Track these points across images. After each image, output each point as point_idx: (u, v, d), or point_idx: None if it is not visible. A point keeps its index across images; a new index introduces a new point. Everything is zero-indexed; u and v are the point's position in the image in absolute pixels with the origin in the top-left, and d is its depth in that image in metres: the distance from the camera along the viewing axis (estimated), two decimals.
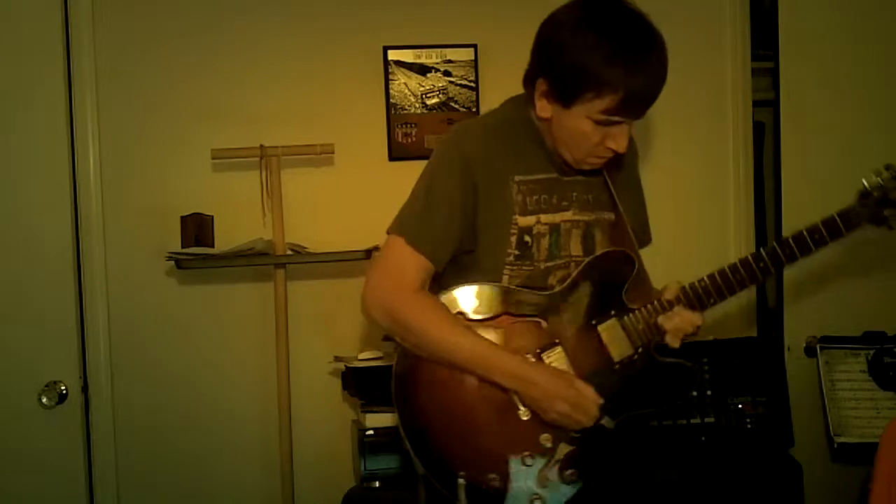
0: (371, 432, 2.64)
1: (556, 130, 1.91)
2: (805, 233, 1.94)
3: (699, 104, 3.13)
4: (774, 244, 1.96)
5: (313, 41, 2.96)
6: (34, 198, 2.77)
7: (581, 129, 1.87)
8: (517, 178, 1.95)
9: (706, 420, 2.74)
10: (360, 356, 2.76)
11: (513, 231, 1.94)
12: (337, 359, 2.86)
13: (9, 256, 2.75)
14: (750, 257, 1.95)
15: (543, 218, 1.96)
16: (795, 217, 2.99)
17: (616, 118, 1.84)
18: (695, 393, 2.75)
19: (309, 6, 2.96)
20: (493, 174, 1.93)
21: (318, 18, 2.96)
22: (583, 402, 1.87)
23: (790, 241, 1.94)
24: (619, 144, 1.87)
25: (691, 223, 3.05)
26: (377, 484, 2.64)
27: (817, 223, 1.95)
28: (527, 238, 1.95)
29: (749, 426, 2.74)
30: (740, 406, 2.75)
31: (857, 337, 2.83)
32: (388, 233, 1.96)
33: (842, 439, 2.73)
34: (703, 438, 2.73)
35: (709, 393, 2.76)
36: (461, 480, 1.87)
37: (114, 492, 2.88)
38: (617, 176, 2.03)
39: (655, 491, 2.10)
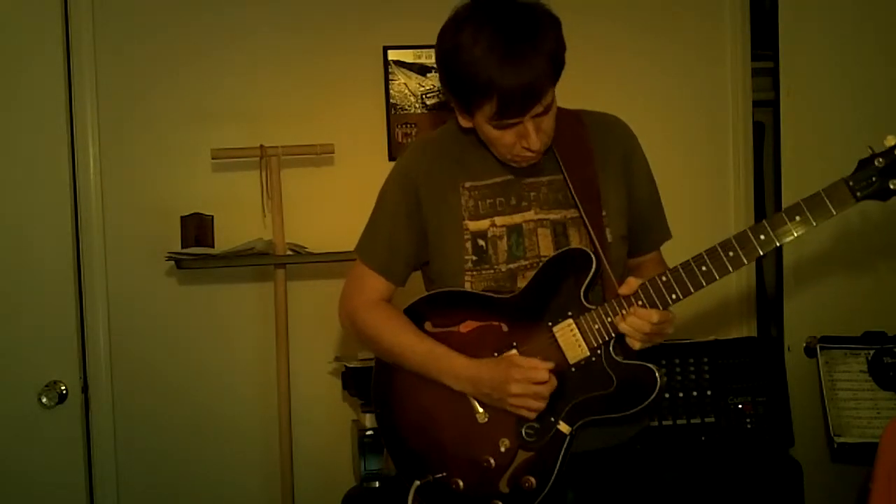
0: (371, 432, 2.63)
1: (480, 136, 1.92)
2: (784, 214, 1.77)
3: (699, 104, 3.13)
4: (746, 230, 1.79)
5: (313, 41, 2.96)
6: (34, 197, 2.77)
7: (490, 134, 1.86)
8: (467, 184, 1.97)
9: (706, 420, 2.74)
10: (360, 356, 2.76)
11: (466, 236, 1.95)
12: (337, 359, 2.86)
13: (9, 256, 2.75)
14: (718, 246, 1.81)
15: (498, 220, 1.95)
16: None
17: (508, 121, 1.81)
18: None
19: (309, 6, 2.96)
20: (438, 184, 1.97)
21: (318, 18, 2.96)
22: (532, 374, 1.83)
23: (766, 224, 1.78)
24: (531, 142, 1.83)
25: (691, 223, 3.03)
26: (377, 484, 2.64)
27: (798, 202, 1.77)
28: (481, 242, 1.95)
29: (749, 426, 2.74)
30: (740, 406, 2.75)
31: (857, 337, 2.82)
32: None
33: (842, 439, 2.73)
34: (703, 438, 2.73)
35: (709, 393, 2.76)
36: (417, 482, 1.93)
37: (114, 492, 2.88)
38: (599, 174, 1.97)
39: (655, 491, 2.08)
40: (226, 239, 2.84)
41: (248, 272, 2.92)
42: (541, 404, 1.85)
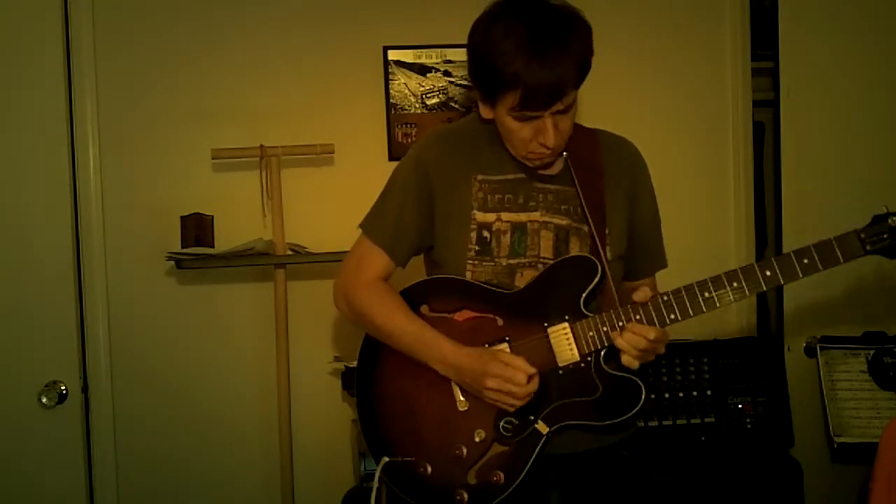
0: None
1: (499, 129, 1.96)
2: (793, 256, 1.82)
3: (699, 104, 3.13)
4: (753, 264, 1.85)
5: (313, 41, 2.96)
6: (34, 197, 2.77)
7: (509, 126, 1.90)
8: (479, 176, 2.00)
9: (706, 420, 2.75)
10: None
11: (472, 226, 1.98)
12: (337, 359, 2.86)
13: (9, 256, 2.75)
14: (723, 275, 1.85)
15: (505, 216, 1.98)
16: (795, 217, 2.99)
17: (529, 113, 1.84)
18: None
19: (309, 6, 2.96)
20: (451, 172, 2.00)
21: (318, 18, 2.96)
22: (511, 375, 1.84)
23: (773, 262, 1.83)
24: (546, 139, 1.86)
25: (691, 224, 3.05)
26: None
27: (809, 246, 1.82)
28: (485, 234, 1.97)
29: (749, 426, 2.74)
30: (740, 406, 2.76)
31: (857, 337, 2.83)
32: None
33: (842, 439, 2.73)
34: (703, 438, 2.73)
35: (709, 393, 2.76)
36: (385, 459, 1.94)
37: (114, 492, 2.88)
38: (606, 193, 2.00)
39: (646, 493, 2.08)
40: (226, 239, 2.85)
41: (248, 272, 2.92)
42: (515, 403, 1.87)
